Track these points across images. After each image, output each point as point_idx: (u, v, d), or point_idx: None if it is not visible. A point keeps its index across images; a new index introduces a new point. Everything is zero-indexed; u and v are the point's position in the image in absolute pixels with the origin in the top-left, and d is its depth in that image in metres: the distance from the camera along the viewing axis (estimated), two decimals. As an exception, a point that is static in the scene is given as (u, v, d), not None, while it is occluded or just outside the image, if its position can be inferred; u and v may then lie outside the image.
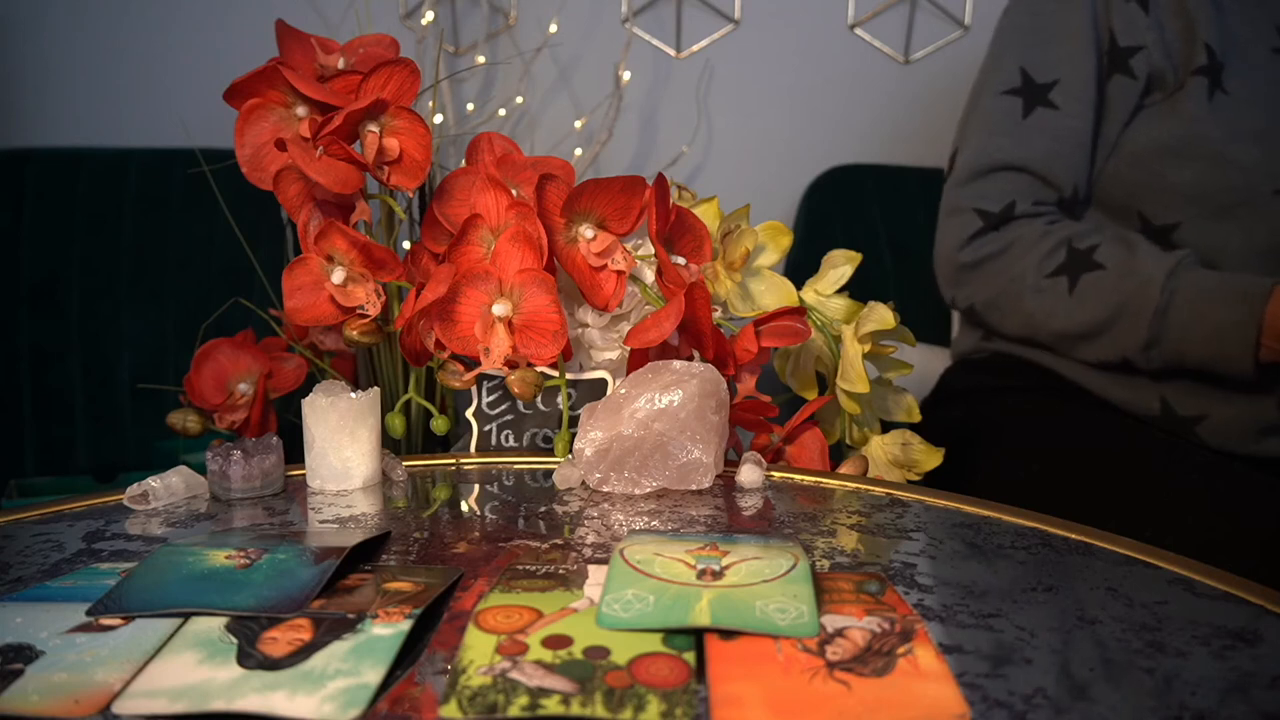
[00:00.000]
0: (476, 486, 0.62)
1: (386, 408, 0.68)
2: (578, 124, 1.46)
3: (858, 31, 1.51)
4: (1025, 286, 0.90)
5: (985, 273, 0.94)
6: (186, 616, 0.39)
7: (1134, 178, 0.91)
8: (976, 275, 0.94)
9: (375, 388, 0.62)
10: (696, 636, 0.37)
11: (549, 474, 0.64)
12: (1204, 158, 0.86)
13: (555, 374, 0.66)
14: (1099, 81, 0.92)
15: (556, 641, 0.37)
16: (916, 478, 0.76)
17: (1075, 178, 0.93)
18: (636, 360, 0.65)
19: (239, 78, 0.65)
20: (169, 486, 0.58)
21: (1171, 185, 0.88)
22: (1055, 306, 0.88)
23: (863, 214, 1.45)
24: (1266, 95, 0.87)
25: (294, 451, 0.62)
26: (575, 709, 0.32)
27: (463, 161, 0.75)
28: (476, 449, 0.69)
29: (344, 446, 0.60)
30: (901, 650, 0.36)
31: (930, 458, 0.76)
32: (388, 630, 0.38)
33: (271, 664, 0.35)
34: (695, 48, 1.49)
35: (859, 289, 0.79)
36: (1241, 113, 0.86)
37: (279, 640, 0.37)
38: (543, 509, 0.56)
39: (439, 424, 0.69)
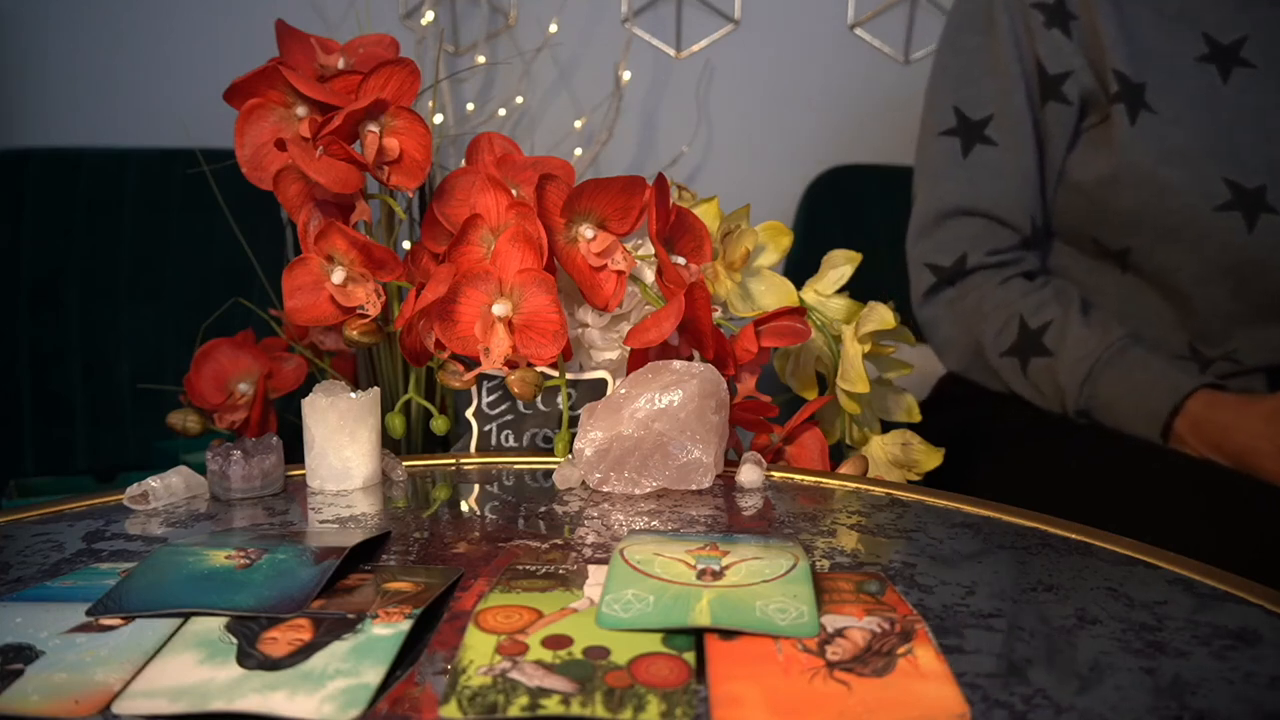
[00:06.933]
0: (476, 486, 0.62)
1: (386, 408, 0.68)
2: (578, 124, 1.46)
3: (858, 31, 1.51)
4: (984, 357, 0.93)
5: (943, 334, 0.95)
6: (186, 616, 0.39)
7: (1081, 205, 0.90)
8: (935, 332, 0.95)
9: (375, 388, 0.62)
10: (696, 636, 0.37)
11: (549, 474, 0.64)
12: (1138, 184, 0.85)
13: (555, 374, 0.66)
14: (1033, 111, 0.90)
15: (556, 641, 0.37)
16: (916, 478, 0.76)
17: (1028, 213, 0.92)
18: (636, 360, 0.65)
19: (239, 78, 0.65)
20: (169, 486, 0.58)
21: (1115, 212, 0.87)
22: (1011, 379, 0.92)
23: (863, 214, 1.45)
24: (1190, 110, 0.84)
25: (294, 451, 0.62)
26: (575, 709, 0.32)
27: (463, 161, 0.75)
28: (476, 449, 0.69)
29: (344, 446, 0.60)
30: (901, 650, 0.36)
31: (930, 458, 0.76)
32: (388, 630, 0.38)
33: (271, 664, 0.35)
34: (695, 48, 1.49)
35: (859, 289, 0.79)
36: (1167, 132, 0.84)
37: (279, 640, 0.37)
38: (543, 509, 0.56)
39: (439, 424, 0.69)
